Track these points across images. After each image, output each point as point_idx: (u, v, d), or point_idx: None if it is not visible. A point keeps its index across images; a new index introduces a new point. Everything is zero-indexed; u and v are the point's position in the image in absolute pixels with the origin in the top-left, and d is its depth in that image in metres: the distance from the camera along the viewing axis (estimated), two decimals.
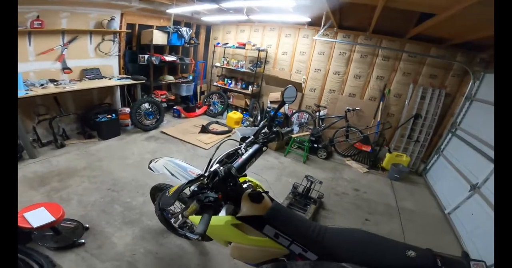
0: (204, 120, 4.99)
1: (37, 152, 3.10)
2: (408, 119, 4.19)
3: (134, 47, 4.52)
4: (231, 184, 1.26)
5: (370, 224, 2.77)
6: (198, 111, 5.46)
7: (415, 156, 4.29)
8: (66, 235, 1.91)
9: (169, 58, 4.61)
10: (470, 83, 3.55)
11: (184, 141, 4.03)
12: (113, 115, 3.80)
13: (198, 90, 5.87)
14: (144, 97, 4.27)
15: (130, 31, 4.25)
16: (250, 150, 1.33)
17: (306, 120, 5.04)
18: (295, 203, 2.77)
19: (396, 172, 3.86)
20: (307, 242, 1.25)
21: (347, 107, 4.45)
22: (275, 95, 5.10)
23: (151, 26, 4.50)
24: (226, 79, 5.78)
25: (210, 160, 1.24)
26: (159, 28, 4.46)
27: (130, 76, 4.12)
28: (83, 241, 1.92)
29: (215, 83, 5.92)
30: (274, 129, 1.48)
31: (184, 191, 1.19)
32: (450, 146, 3.77)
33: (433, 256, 1.14)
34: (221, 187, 1.16)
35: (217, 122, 4.96)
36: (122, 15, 4.02)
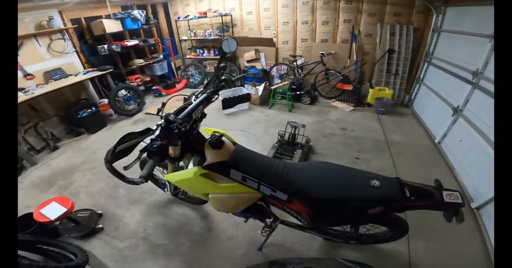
0: (187, 92, 4.91)
1: (35, 159, 3.17)
2: (382, 55, 4.22)
3: (89, 40, 4.41)
4: (188, 136, 1.29)
5: (361, 162, 2.78)
6: (178, 86, 5.47)
7: (398, 88, 4.37)
8: (85, 223, 2.06)
9: (131, 42, 4.54)
10: (434, 17, 3.65)
11: None
12: (93, 108, 3.80)
13: (173, 67, 5.83)
14: (119, 84, 4.23)
15: (76, 26, 4.10)
16: (197, 100, 1.38)
17: (285, 71, 5.07)
18: (283, 151, 2.83)
19: (381, 106, 3.96)
20: (272, 181, 1.27)
21: (321, 52, 4.47)
22: (250, 54, 5.09)
23: (100, 17, 4.31)
24: (198, 50, 5.76)
25: (161, 116, 1.26)
26: (108, 16, 4.33)
27: (96, 69, 4.08)
28: (101, 226, 2.08)
29: (188, 56, 5.94)
30: (223, 77, 1.52)
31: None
32: (429, 74, 3.84)
33: (400, 185, 1.14)
34: (166, 135, 1.18)
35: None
36: (60, 12, 3.86)
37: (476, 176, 2.28)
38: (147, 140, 1.25)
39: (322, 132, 3.47)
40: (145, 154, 1.21)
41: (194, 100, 1.40)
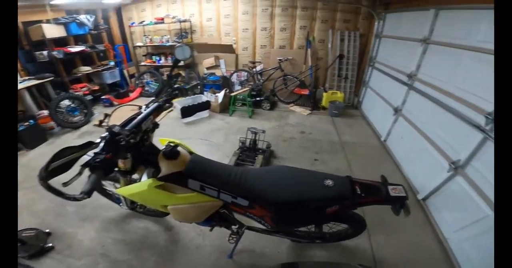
0: (142, 101, 4.67)
1: None
2: (334, 60, 4.53)
3: (26, 46, 3.96)
4: (140, 148, 1.23)
5: (319, 164, 2.88)
6: (132, 95, 5.13)
7: (348, 92, 4.72)
8: (32, 243, 1.88)
9: (75, 49, 4.18)
10: (376, 23, 4.02)
11: None
12: (31, 121, 3.36)
13: (126, 74, 5.48)
14: (61, 94, 3.82)
15: None
16: (147, 110, 1.33)
17: (246, 78, 5.13)
18: (245, 157, 2.83)
19: (334, 109, 4.22)
20: (232, 188, 1.26)
21: (279, 58, 4.65)
22: (209, 61, 5.04)
23: (40, 21, 3.93)
24: (153, 57, 5.52)
25: (106, 128, 1.19)
26: (49, 21, 3.97)
27: (33, 77, 3.67)
28: (51, 245, 1.90)
29: (143, 63, 5.66)
30: (175, 85, 1.49)
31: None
32: (373, 78, 4.21)
33: (351, 183, 1.20)
34: (111, 148, 1.11)
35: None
36: None
37: (418, 169, 2.50)
38: (91, 153, 1.15)
39: (282, 136, 3.56)
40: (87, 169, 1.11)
41: (144, 110, 1.34)
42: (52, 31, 3.89)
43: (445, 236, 1.91)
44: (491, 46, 1.70)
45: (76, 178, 1.20)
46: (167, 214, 1.88)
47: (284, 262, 1.64)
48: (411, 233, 2.01)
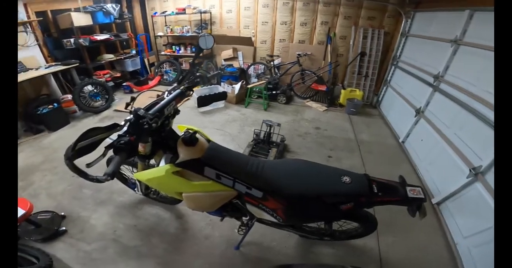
0: (161, 89, 4.74)
1: None
2: (355, 57, 4.41)
3: (54, 33, 4.14)
4: (161, 133, 1.24)
5: (333, 160, 2.87)
6: (151, 83, 5.26)
7: (367, 90, 4.59)
8: (46, 226, 1.92)
9: (101, 37, 4.34)
10: (403, 22, 3.86)
11: None
12: (55, 104, 3.53)
13: (147, 63, 5.61)
14: (85, 80, 3.97)
15: (41, 18, 3.82)
16: (170, 95, 1.34)
17: (262, 71, 5.11)
18: (259, 149, 2.84)
19: (352, 106, 4.13)
20: (247, 178, 1.26)
21: (298, 53, 4.59)
22: (227, 52, 5.06)
23: (68, 10, 4.06)
24: (173, 47, 5.60)
25: (130, 111, 1.19)
26: (78, 9, 4.09)
27: (60, 63, 3.83)
28: (64, 228, 1.94)
29: (163, 53, 5.76)
30: (197, 73, 1.48)
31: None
32: (395, 77, 4.07)
33: (368, 181, 1.18)
34: (135, 131, 1.12)
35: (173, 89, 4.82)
36: (25, 5, 3.60)
37: (436, 173, 2.43)
38: (114, 136, 1.18)
39: (297, 131, 3.53)
40: (111, 151, 1.13)
41: (167, 96, 1.35)
42: (80, 19, 4.03)
43: (455, 241, 1.87)
44: None
45: (100, 160, 1.21)
46: (179, 201, 1.92)
47: (280, 263, 1.66)
48: (420, 235, 1.97)
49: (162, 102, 1.26)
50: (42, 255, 1.63)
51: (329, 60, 4.61)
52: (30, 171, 2.66)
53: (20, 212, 1.70)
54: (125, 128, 1.15)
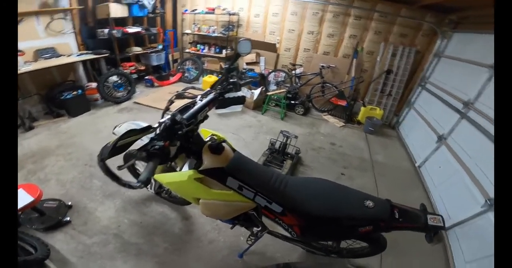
0: (179, 87, 4.83)
1: None
2: (380, 74, 4.30)
3: (90, 22, 4.27)
4: (190, 138, 1.22)
5: (345, 179, 2.82)
6: (172, 79, 5.34)
7: (388, 110, 4.47)
8: (51, 214, 1.89)
9: (133, 29, 4.45)
10: (439, 42, 3.71)
11: (158, 108, 3.93)
12: (79, 91, 3.62)
13: (171, 59, 5.71)
14: (112, 70, 4.08)
15: (82, 7, 3.95)
16: (204, 100, 1.32)
17: (283, 79, 5.07)
18: (272, 159, 2.80)
19: (371, 125, 4.02)
20: (269, 193, 1.25)
21: (321, 64, 4.50)
22: (250, 56, 5.06)
23: (107, 0, 4.19)
24: (198, 45, 5.67)
25: (163, 113, 1.19)
26: (117, 1, 4.22)
27: (91, 52, 3.94)
28: (68, 219, 1.92)
29: (187, 50, 5.83)
30: (231, 80, 1.46)
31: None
32: (420, 99, 3.92)
33: (391, 207, 1.18)
34: (169, 136, 1.11)
35: (193, 87, 4.80)
36: None
37: (449, 200, 2.41)
38: (145, 138, 1.16)
39: (311, 144, 3.47)
40: (143, 154, 1.08)
41: (200, 100, 1.33)
42: (117, 11, 4.14)
43: (456, 265, 1.90)
44: None
45: (131, 162, 1.16)
46: (189, 203, 1.88)
47: (278, 263, 1.66)
48: (421, 258, 1.97)
49: (196, 108, 1.25)
50: (41, 245, 1.59)
51: (353, 75, 4.51)
52: (45, 154, 2.70)
53: (29, 199, 1.67)
54: (157, 131, 1.13)
